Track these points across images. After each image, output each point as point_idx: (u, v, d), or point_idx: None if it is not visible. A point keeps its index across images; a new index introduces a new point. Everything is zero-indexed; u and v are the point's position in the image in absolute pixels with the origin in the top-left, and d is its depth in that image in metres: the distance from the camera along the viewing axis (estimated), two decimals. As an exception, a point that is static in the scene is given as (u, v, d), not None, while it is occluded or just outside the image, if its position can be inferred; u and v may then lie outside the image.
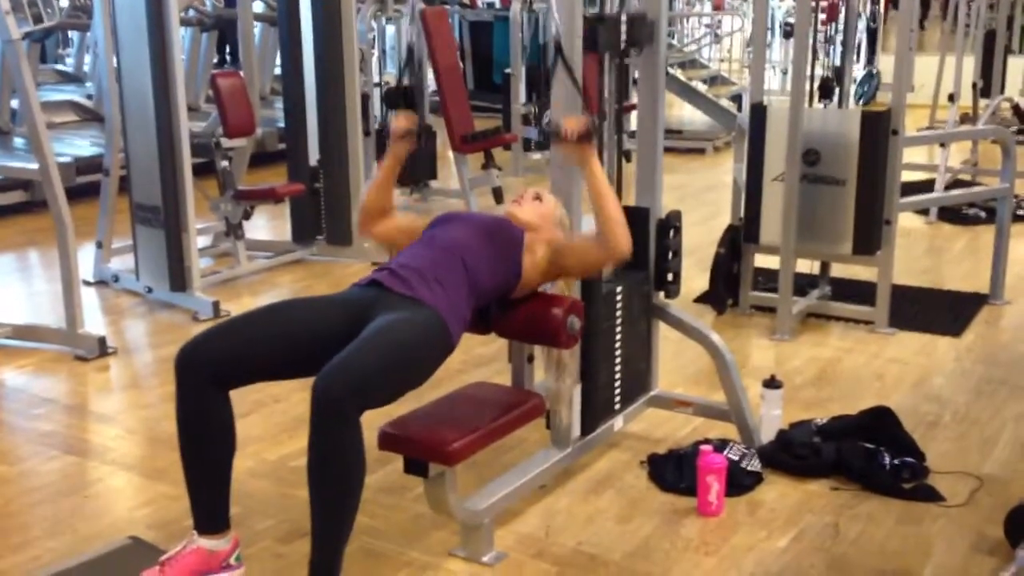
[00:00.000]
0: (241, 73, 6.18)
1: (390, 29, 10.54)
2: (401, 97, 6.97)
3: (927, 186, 7.09)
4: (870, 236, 4.65)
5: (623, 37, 3.31)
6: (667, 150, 3.67)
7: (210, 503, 2.58)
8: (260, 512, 3.09)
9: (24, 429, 3.79)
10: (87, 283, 5.39)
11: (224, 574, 2.61)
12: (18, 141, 8.22)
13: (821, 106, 5.05)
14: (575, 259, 2.93)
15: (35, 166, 4.40)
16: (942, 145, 7.34)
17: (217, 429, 2.54)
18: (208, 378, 2.48)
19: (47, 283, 5.57)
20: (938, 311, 5.04)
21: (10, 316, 4.76)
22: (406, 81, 7.13)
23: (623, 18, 3.30)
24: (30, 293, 5.63)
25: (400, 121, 3.04)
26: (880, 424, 3.44)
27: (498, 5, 13.39)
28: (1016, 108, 9.18)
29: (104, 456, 3.54)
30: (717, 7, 14.05)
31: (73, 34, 11.47)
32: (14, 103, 8.34)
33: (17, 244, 6.58)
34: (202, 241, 5.91)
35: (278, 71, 9.05)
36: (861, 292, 5.02)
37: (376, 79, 7.77)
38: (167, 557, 2.56)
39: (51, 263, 5.43)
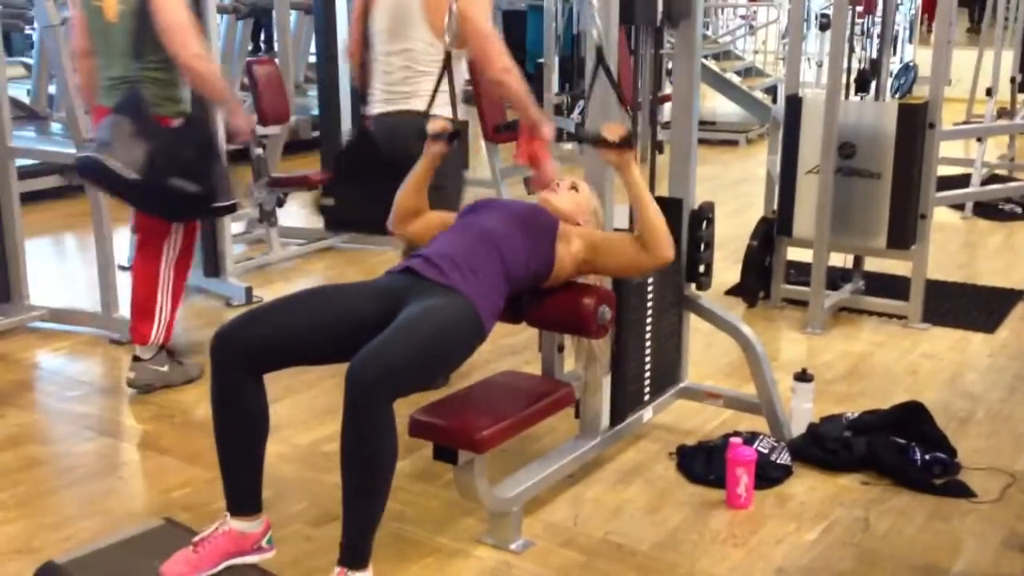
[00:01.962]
0: (276, 61, 6.21)
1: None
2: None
3: (963, 181, 7.02)
4: (905, 230, 4.61)
5: (659, 9, 3.22)
6: (700, 141, 3.65)
7: (243, 485, 2.61)
8: (291, 496, 3.12)
9: (59, 411, 3.84)
10: (122, 268, 5.41)
11: (256, 556, 2.64)
12: (55, 126, 8.31)
13: (857, 98, 5.02)
14: (612, 260, 2.92)
15: (72, 151, 4.45)
16: (979, 140, 7.26)
17: (251, 412, 2.56)
18: (243, 362, 2.51)
19: (83, 267, 5.64)
20: (972, 307, 4.99)
21: (46, 299, 4.82)
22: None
23: None
24: (66, 277, 5.70)
25: (435, 123, 3.04)
26: (912, 419, 3.42)
27: (532, -6, 13.35)
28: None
29: (138, 438, 3.59)
30: (752, -2, 13.94)
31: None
32: (51, 88, 8.43)
33: (54, 228, 6.65)
34: (236, 228, 5.95)
35: (312, 59, 9.09)
36: (895, 287, 4.98)
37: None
38: (200, 538, 2.59)
39: (87, 247, 5.49)
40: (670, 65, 3.59)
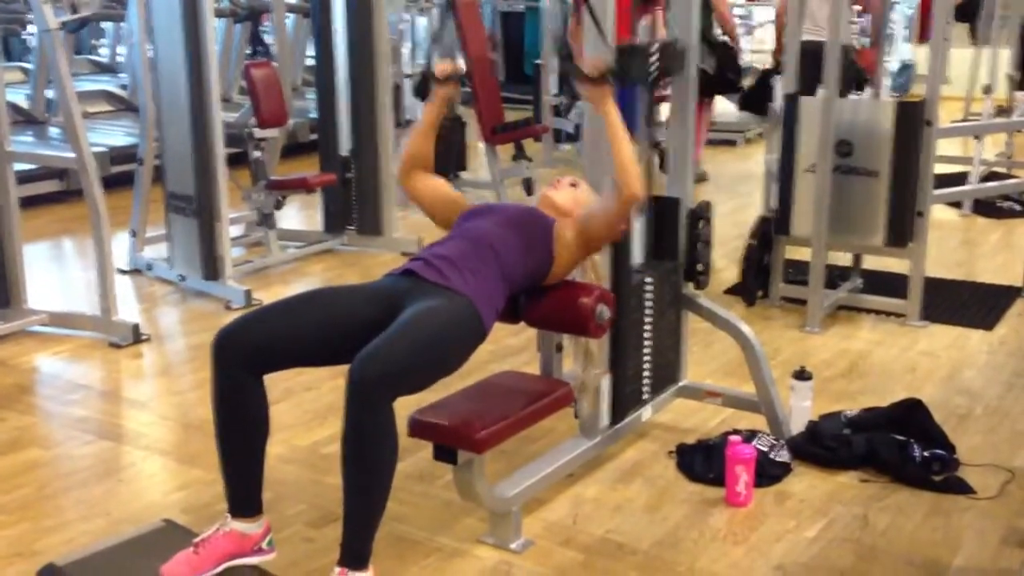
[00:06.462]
0: (274, 64, 6.22)
1: (422, 20, 10.53)
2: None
3: (961, 179, 7.02)
4: (903, 228, 4.62)
5: (653, 67, 3.23)
6: (698, 141, 3.66)
7: (244, 486, 2.61)
8: (291, 497, 3.12)
9: (59, 414, 3.85)
10: (121, 271, 5.44)
11: (256, 558, 2.64)
12: (53, 131, 8.31)
13: (855, 97, 5.02)
14: (599, 221, 2.93)
15: (71, 155, 4.46)
16: (976, 137, 7.27)
17: (252, 413, 2.56)
18: (243, 363, 2.51)
19: (82, 271, 5.64)
20: (971, 304, 5.00)
21: (46, 304, 4.82)
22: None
23: (653, 47, 3.24)
24: (65, 281, 5.70)
25: (443, 65, 3.03)
26: (911, 416, 3.42)
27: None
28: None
29: (138, 441, 3.59)
30: (750, -2, 13.93)
31: (107, 25, 11.57)
32: (50, 93, 8.44)
33: (52, 233, 6.65)
34: (234, 230, 5.93)
35: (310, 62, 9.09)
36: (893, 285, 4.98)
37: (407, 70, 7.78)
38: (201, 539, 2.59)
39: (86, 251, 5.50)
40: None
